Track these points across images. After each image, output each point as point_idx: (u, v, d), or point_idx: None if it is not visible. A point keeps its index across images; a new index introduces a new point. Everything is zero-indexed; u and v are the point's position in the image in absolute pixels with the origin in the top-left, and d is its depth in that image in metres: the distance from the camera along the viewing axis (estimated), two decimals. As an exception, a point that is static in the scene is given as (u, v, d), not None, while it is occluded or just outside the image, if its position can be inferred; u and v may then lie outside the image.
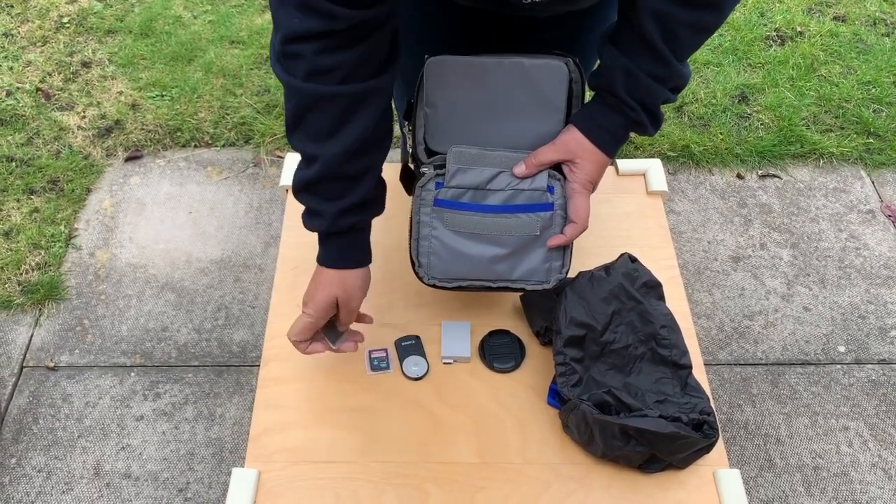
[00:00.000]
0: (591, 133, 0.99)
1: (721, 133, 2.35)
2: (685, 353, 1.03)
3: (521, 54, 1.02)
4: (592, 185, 1.01)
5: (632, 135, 1.04)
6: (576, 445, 1.03)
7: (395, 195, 1.07)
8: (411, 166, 1.09)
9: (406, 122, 1.07)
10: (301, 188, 0.96)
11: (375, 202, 1.00)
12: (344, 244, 0.99)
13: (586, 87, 1.03)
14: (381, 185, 1.01)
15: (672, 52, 0.93)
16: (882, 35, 2.70)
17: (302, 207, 0.98)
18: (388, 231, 1.02)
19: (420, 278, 1.05)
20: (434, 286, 1.05)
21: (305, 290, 1.01)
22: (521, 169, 1.00)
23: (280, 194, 2.17)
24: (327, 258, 1.00)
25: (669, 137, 2.32)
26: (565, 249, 1.04)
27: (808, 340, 1.91)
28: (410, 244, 1.04)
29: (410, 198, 1.06)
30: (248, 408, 1.75)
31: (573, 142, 0.99)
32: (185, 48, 2.55)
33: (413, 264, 1.05)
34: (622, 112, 0.97)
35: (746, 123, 2.40)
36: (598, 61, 1.00)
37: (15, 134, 2.28)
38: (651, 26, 0.91)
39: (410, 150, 1.07)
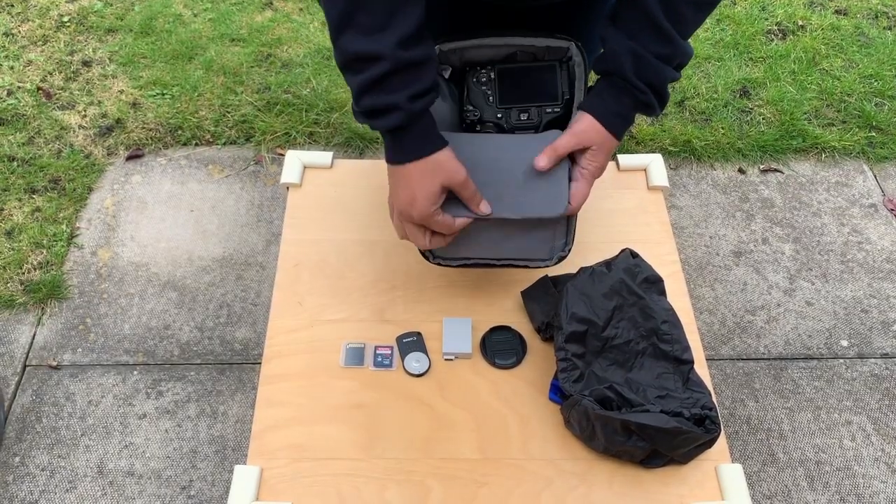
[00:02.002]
0: (603, 118, 0.99)
1: (722, 128, 2.35)
2: (687, 348, 1.03)
3: (521, 35, 1.02)
4: (601, 172, 1.03)
5: (632, 130, 1.04)
6: (577, 441, 1.03)
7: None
8: None
9: None
10: (365, 89, 0.90)
11: (437, 87, 0.96)
12: (425, 128, 0.95)
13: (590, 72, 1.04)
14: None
15: (676, 31, 0.94)
16: (884, 28, 2.69)
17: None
18: (388, 228, 1.02)
19: (426, 258, 1.08)
20: (439, 265, 1.08)
21: (394, 207, 0.98)
22: (543, 162, 1.00)
23: (281, 192, 2.17)
24: (413, 149, 0.94)
25: (671, 132, 2.31)
26: (568, 227, 1.05)
27: (810, 335, 1.91)
28: None
29: None
30: (250, 405, 1.75)
31: (591, 130, 1.00)
32: (185, 46, 2.55)
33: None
34: (631, 94, 0.98)
35: (748, 118, 2.39)
36: (602, 46, 1.00)
37: (16, 133, 2.28)
38: (654, 5, 0.92)
39: None
